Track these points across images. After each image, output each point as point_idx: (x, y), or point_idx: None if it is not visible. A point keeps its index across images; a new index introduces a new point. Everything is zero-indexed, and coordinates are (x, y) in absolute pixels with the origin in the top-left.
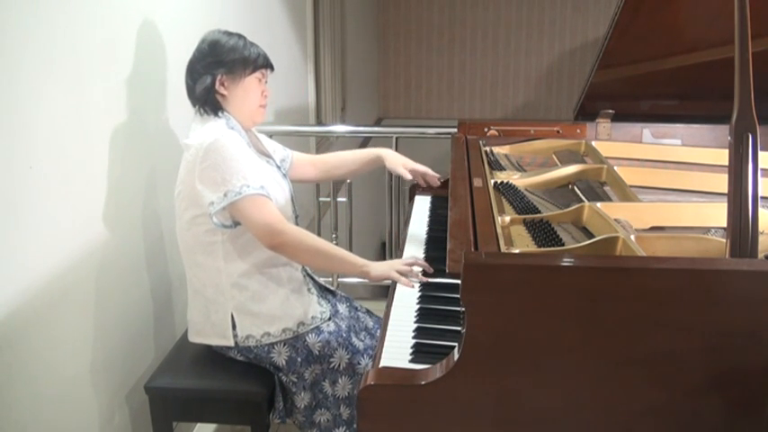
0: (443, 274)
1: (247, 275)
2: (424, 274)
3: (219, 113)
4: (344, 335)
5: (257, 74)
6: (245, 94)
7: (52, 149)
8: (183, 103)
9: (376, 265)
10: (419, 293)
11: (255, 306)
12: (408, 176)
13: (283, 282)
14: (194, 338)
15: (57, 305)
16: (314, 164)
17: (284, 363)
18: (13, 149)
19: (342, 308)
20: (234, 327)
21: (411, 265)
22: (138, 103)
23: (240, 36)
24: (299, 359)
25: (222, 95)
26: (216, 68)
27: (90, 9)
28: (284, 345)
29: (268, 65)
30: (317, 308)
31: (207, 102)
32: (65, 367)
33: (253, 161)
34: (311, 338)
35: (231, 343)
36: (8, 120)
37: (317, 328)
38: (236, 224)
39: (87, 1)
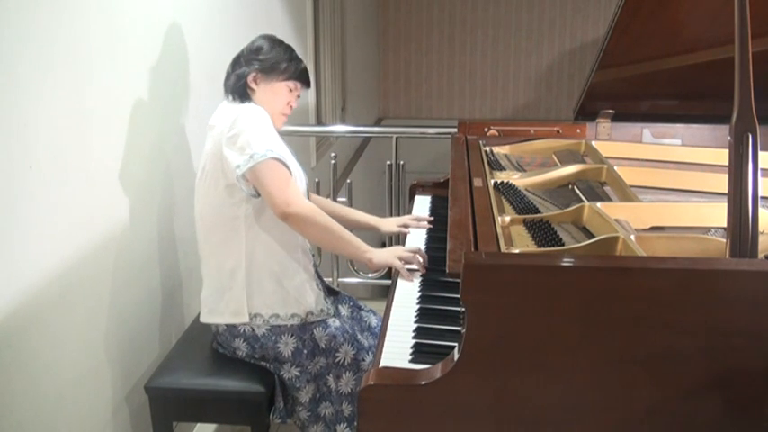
0: (443, 274)
1: (266, 254)
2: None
3: (246, 102)
4: (350, 331)
5: (290, 83)
6: (273, 95)
7: (52, 149)
8: (184, 101)
9: (379, 252)
10: (419, 293)
11: (270, 285)
12: (407, 231)
13: (299, 268)
14: (207, 318)
15: (56, 305)
16: (310, 197)
17: (290, 353)
18: (12, 149)
19: (344, 309)
20: (247, 306)
21: (414, 252)
22: (138, 101)
23: (288, 48)
24: (305, 351)
25: (251, 89)
26: (253, 64)
27: (89, 8)
28: (291, 335)
29: (304, 80)
30: (323, 302)
31: (236, 89)
32: (65, 367)
33: (278, 138)
34: (318, 332)
35: (246, 319)
36: (7, 120)
37: (324, 321)
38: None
39: (87, 0)
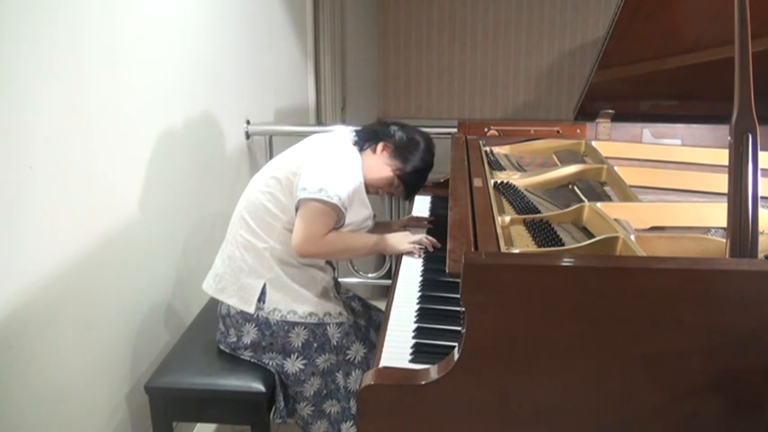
0: (443, 274)
1: (293, 257)
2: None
3: (358, 149)
4: (363, 329)
5: (397, 181)
6: (379, 172)
7: (52, 149)
8: (184, 101)
9: (388, 237)
10: (419, 293)
11: (292, 284)
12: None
13: (321, 274)
14: (213, 293)
15: (56, 305)
16: None
17: (300, 344)
18: (12, 149)
19: (356, 305)
20: (261, 298)
21: (419, 241)
22: (138, 100)
23: (430, 163)
24: (315, 344)
25: (373, 150)
26: (397, 141)
27: (90, 8)
28: (304, 328)
29: (407, 192)
30: (341, 307)
31: (362, 134)
32: (65, 367)
33: (354, 190)
34: (331, 329)
35: (251, 310)
36: (8, 119)
37: (340, 322)
38: None
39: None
